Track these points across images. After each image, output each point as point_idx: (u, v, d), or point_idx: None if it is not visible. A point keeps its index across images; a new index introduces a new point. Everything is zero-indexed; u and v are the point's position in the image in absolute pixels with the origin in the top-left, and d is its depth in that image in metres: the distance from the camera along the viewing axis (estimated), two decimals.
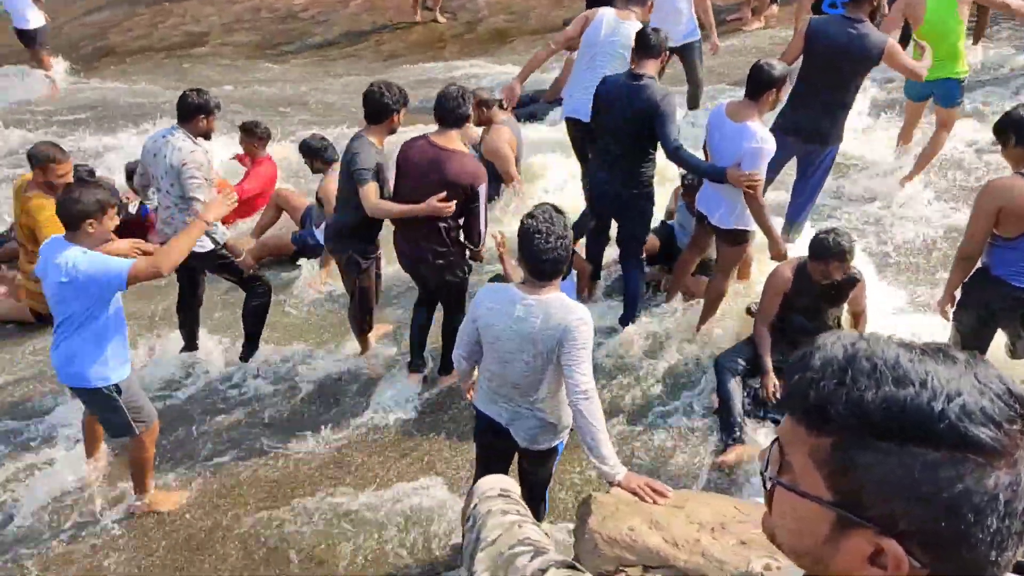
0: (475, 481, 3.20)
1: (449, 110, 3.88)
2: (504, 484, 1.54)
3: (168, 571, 3.46)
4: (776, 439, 0.83)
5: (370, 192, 3.90)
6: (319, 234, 5.45)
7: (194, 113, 4.18)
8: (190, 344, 4.81)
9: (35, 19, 9.80)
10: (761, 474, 0.86)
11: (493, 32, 10.74)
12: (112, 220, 3.33)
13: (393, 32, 11.19)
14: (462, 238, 4.05)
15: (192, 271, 4.48)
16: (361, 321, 4.52)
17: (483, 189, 3.93)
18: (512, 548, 1.23)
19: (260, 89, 9.57)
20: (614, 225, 4.61)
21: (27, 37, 9.85)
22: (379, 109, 4.01)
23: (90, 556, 3.55)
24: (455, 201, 3.83)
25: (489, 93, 5.78)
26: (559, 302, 2.73)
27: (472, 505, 1.47)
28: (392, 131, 4.14)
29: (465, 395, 3.30)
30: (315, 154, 5.46)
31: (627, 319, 4.59)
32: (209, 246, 4.25)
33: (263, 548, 3.49)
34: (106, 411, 3.47)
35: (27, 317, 5.35)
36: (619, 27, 4.95)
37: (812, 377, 0.76)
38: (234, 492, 3.85)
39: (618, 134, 4.21)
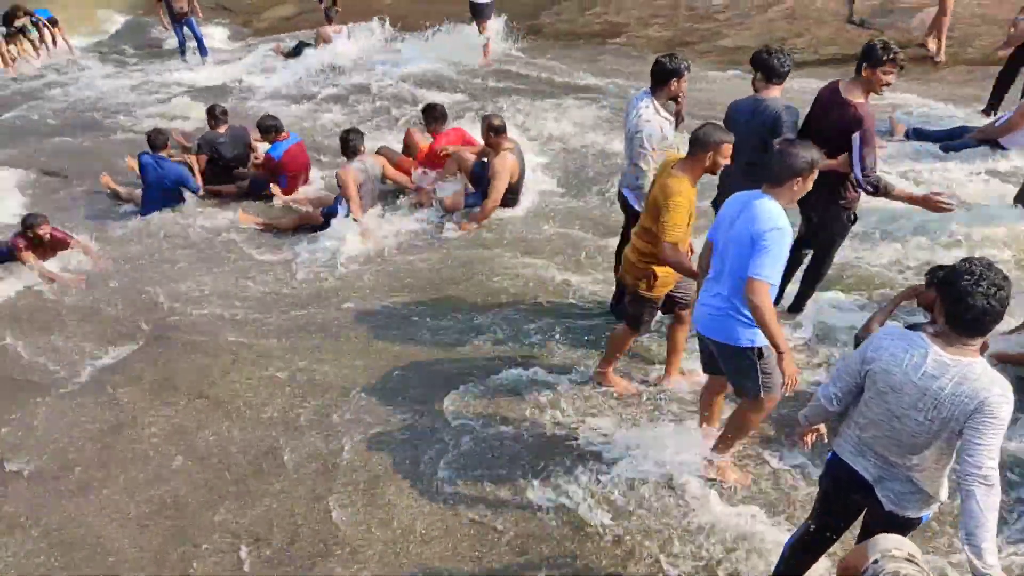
0: (813, 524, 3.09)
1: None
2: (910, 549, 1.45)
3: None
4: None
5: None
6: None
7: (668, 77, 4.45)
8: None
9: None
10: None
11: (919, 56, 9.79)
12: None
13: (808, 42, 10.76)
14: None
15: None
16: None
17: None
18: None
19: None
20: None
21: (478, 8, 11.27)
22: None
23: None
24: None
25: (501, 120, 6.57)
26: (981, 369, 2.44)
27: (872, 560, 1.41)
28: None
29: (799, 438, 3.13)
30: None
31: None
32: None
33: None
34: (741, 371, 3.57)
35: None
36: None
37: None
38: None
39: None
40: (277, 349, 5.27)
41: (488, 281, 5.83)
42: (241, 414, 4.69)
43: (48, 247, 6.59)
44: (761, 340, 3.39)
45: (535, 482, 3.96)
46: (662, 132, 4.48)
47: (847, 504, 2.93)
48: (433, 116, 7.38)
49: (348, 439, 4.37)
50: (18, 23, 13.54)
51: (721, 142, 3.77)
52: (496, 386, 4.69)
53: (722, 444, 3.86)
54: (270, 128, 7.49)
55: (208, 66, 12.82)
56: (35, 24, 13.81)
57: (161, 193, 7.51)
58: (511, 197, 6.76)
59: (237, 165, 8.00)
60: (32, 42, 13.83)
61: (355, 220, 6.65)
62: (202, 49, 12.98)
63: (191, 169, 7.69)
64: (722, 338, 3.50)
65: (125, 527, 3.98)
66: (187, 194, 7.60)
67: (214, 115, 7.91)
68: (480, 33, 11.58)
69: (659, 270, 4.09)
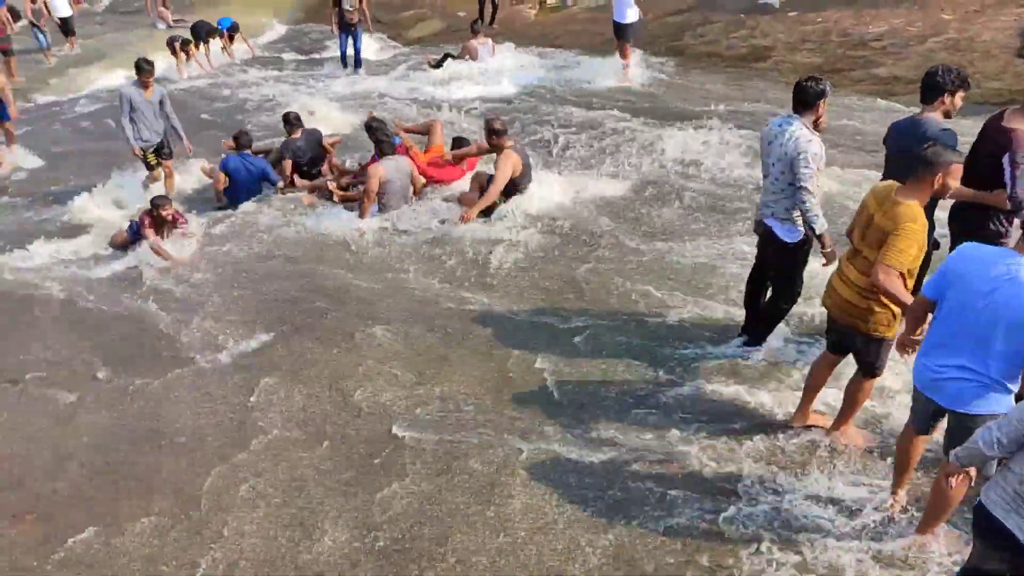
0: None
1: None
2: None
3: None
4: None
5: None
6: None
7: (816, 99, 4.34)
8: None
9: (632, 16, 11.22)
10: None
11: None
12: None
13: (971, 76, 10.09)
14: None
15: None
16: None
17: None
18: None
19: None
20: None
21: (622, 30, 11.31)
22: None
23: None
24: None
25: (502, 123, 7.10)
26: None
27: None
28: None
29: (945, 476, 2.94)
30: None
31: None
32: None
33: None
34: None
35: None
36: None
37: None
38: None
39: None
40: (406, 349, 5.44)
41: (610, 295, 5.81)
42: (367, 408, 4.86)
43: (167, 227, 7.33)
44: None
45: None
46: (822, 152, 4.35)
47: (998, 562, 2.70)
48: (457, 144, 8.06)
49: (469, 444, 4.44)
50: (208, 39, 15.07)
51: (950, 163, 3.45)
52: (624, 407, 4.65)
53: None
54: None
55: (360, 75, 13.48)
56: (219, 35, 15.30)
57: (247, 188, 8.17)
58: (514, 189, 7.16)
59: (315, 165, 8.57)
60: (207, 49, 15.13)
61: (359, 217, 7.30)
62: (357, 59, 13.67)
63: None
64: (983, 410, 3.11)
65: (251, 505, 4.20)
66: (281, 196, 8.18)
67: (289, 121, 8.50)
68: (622, 56, 11.61)
69: (894, 306, 3.65)
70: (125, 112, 8.09)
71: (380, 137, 7.47)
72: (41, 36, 16.12)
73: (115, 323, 6.26)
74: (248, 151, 8.25)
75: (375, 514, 4.02)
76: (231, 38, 15.90)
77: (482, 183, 7.29)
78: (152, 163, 8.37)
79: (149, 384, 5.34)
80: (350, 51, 13.68)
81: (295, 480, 4.32)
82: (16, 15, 16.60)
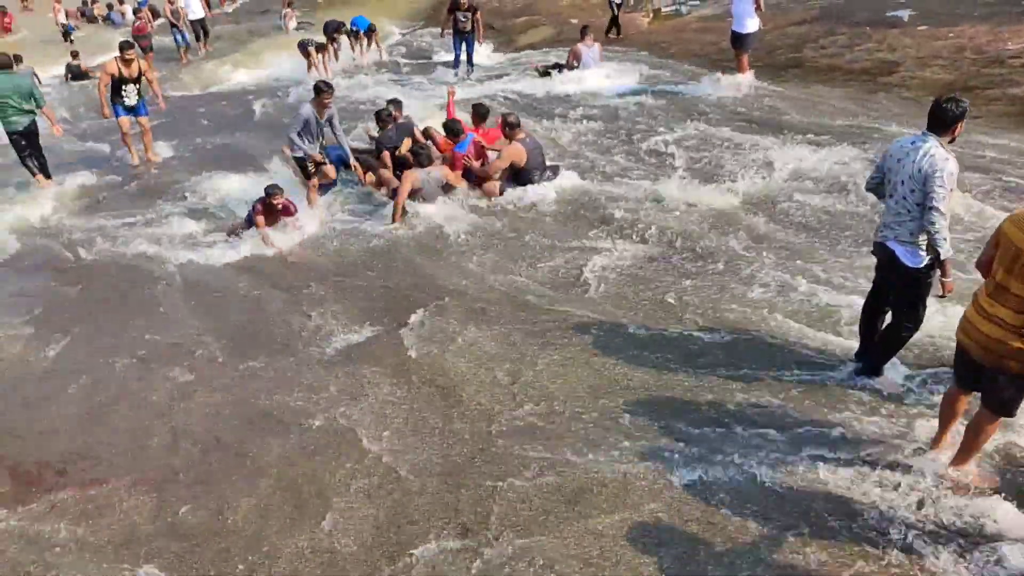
0: None
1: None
2: None
3: None
4: None
5: None
6: None
7: (956, 120, 4.14)
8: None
9: (752, 25, 10.95)
10: None
11: None
12: None
13: None
14: None
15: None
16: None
17: None
18: None
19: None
20: None
21: (740, 40, 11.05)
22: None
23: None
24: None
25: (515, 118, 8.32)
26: None
27: None
28: None
29: None
30: None
31: None
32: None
33: None
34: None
35: None
36: None
37: None
38: None
39: None
40: (505, 352, 5.48)
41: (715, 311, 5.68)
42: (468, 407, 4.92)
43: (278, 215, 7.74)
44: None
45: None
46: (957, 173, 4.14)
47: None
48: (479, 114, 9.00)
49: (563, 451, 4.43)
50: (336, 36, 15.64)
51: None
52: (725, 425, 4.54)
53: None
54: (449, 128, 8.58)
55: (470, 78, 13.73)
56: (346, 33, 15.85)
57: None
58: (526, 177, 8.24)
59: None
60: (336, 48, 15.72)
61: (392, 221, 7.84)
62: (470, 64, 13.93)
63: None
64: None
65: (350, 493, 4.32)
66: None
67: (381, 118, 9.06)
68: (738, 67, 11.35)
69: None
70: (296, 128, 8.39)
71: (418, 151, 8.16)
72: (179, 36, 17.15)
73: (233, 308, 6.60)
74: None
75: (466, 512, 4.07)
76: (369, 39, 16.26)
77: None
78: (311, 171, 8.59)
79: (262, 369, 5.59)
80: (463, 56, 13.96)
81: (392, 472, 4.42)
82: (156, 14, 17.75)
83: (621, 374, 5.10)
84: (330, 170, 8.67)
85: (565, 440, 4.52)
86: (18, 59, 15.00)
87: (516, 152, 8.16)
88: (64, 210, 9.52)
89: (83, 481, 4.62)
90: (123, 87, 10.29)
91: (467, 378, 5.21)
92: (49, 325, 6.56)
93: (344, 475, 4.45)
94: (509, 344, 5.57)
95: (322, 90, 8.39)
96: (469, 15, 13.51)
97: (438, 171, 8.20)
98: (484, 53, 15.66)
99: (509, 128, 8.22)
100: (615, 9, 16.00)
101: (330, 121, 8.58)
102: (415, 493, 4.26)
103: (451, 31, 13.91)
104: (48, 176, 10.11)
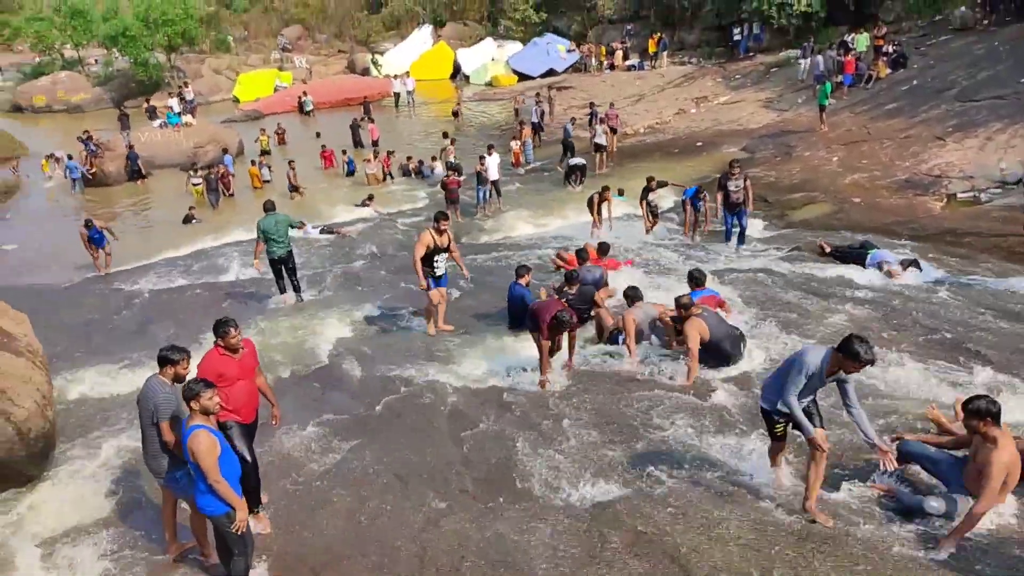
0: None
1: None
2: None
3: None
4: None
5: None
6: None
7: None
8: None
9: None
10: None
11: None
12: None
13: None
14: None
15: None
16: None
17: None
18: None
19: None
20: None
21: None
22: None
23: None
24: None
25: (688, 298, 8.41)
26: None
27: None
28: None
29: None
30: None
31: None
32: None
33: None
34: None
35: None
36: None
37: None
38: None
39: None
40: (745, 550, 5.21)
41: None
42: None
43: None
44: None
45: None
46: None
47: None
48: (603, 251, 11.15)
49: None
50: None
51: None
52: None
53: None
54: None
55: (741, 252, 13.74)
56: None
57: None
58: (717, 352, 8.26)
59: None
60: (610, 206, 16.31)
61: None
62: (741, 237, 14.01)
63: None
64: None
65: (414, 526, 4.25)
66: None
67: (569, 280, 9.54)
68: None
69: None
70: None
71: (631, 294, 9.19)
72: (482, 192, 19.24)
73: (483, 440, 7.01)
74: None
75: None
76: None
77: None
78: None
79: (503, 511, 5.82)
80: (735, 228, 14.06)
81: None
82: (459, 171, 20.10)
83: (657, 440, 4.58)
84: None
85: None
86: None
87: (698, 327, 8.15)
88: (357, 338, 10.68)
89: None
90: (435, 257, 9.94)
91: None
92: (333, 433, 7.40)
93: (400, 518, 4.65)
94: (750, 540, 5.27)
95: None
96: (740, 185, 13.58)
97: (652, 308, 9.15)
98: (756, 227, 15.59)
99: (684, 309, 8.29)
100: None
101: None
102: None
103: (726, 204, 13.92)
104: (297, 291, 12.04)
